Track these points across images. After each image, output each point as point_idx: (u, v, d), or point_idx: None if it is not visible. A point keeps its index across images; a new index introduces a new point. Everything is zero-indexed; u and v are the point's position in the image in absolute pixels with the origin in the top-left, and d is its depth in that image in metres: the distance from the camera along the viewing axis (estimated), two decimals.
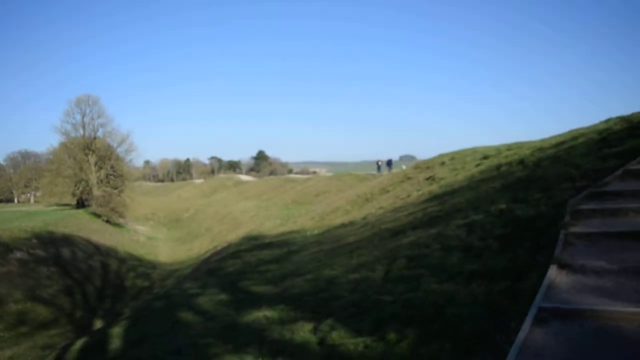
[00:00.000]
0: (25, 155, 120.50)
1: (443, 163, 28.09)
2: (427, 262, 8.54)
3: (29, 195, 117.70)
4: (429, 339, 5.40)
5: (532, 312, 4.08)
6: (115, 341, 13.45)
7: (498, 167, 17.97)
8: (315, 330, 7.61)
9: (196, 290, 16.86)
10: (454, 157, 28.24)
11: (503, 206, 9.97)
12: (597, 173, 9.26)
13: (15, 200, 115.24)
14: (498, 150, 23.48)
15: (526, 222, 7.88)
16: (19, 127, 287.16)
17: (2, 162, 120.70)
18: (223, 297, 14.41)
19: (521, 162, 16.45)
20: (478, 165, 21.58)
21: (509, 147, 23.08)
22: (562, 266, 5.04)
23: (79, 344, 15.42)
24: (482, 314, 5.27)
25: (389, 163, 54.89)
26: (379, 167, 55.67)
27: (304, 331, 7.82)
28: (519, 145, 22.50)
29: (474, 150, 27.31)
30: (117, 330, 14.64)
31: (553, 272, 4.88)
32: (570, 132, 20.49)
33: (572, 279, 4.73)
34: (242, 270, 18.38)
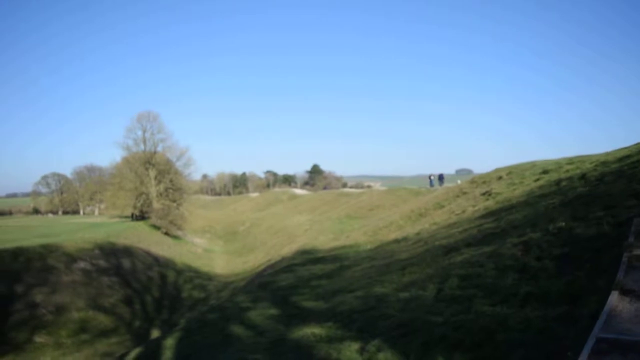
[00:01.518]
0: (91, 170, 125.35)
1: (500, 177, 27.21)
2: (481, 282, 8.19)
3: (93, 207, 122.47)
4: None
5: (591, 342, 3.76)
6: (167, 353, 13.64)
7: (558, 182, 17.20)
8: (362, 351, 7.42)
9: (248, 303, 16.94)
10: (511, 171, 27.31)
11: (562, 224, 9.46)
12: None
13: (81, 212, 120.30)
14: (558, 164, 22.50)
15: (586, 242, 7.41)
16: (86, 144, 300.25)
17: (69, 176, 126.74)
18: (273, 311, 14.42)
19: (583, 177, 15.68)
20: (537, 180, 20.74)
21: (570, 161, 22.09)
22: (625, 292, 4.65)
23: (133, 354, 15.75)
24: (535, 341, 4.94)
25: (441, 177, 54.83)
26: (431, 182, 55.64)
27: (350, 351, 7.64)
28: (581, 159, 21.48)
29: (532, 164, 26.31)
30: (170, 342, 14.84)
31: (614, 299, 4.50)
32: (637, 145, 19.41)
33: (636, 307, 4.34)
34: (294, 285, 18.36)
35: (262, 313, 14.57)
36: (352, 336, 8.43)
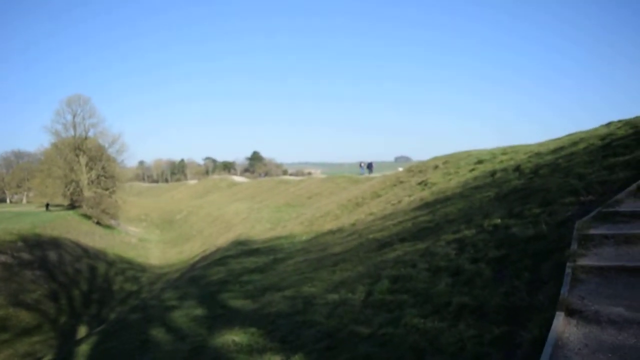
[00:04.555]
0: (19, 155, 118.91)
1: (436, 167, 27.04)
2: (412, 287, 7.54)
3: (21, 195, 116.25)
4: None
5: None
6: None
7: (493, 173, 16.94)
8: None
9: (174, 302, 15.97)
10: (447, 160, 27.19)
11: (498, 221, 8.94)
12: (603, 186, 8.17)
13: (8, 201, 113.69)
14: (493, 154, 22.40)
15: (524, 244, 6.83)
16: (13, 127, 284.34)
17: None
18: (199, 312, 13.53)
19: (517, 168, 15.39)
20: (472, 170, 20.52)
21: (504, 151, 22.03)
22: (571, 312, 4.00)
23: None
24: None
25: (369, 166, 57.28)
26: (362, 169, 58.15)
27: None
28: (515, 150, 21.45)
29: (468, 154, 26.24)
30: (84, 348, 13.74)
31: (560, 323, 3.83)
32: (569, 136, 19.44)
33: (585, 333, 3.70)
34: (225, 280, 17.55)
35: (187, 313, 13.65)
36: (274, 347, 7.68)
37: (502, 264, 6.59)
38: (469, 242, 8.51)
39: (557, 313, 3.97)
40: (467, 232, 9.30)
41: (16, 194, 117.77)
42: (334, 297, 9.18)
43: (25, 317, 29.43)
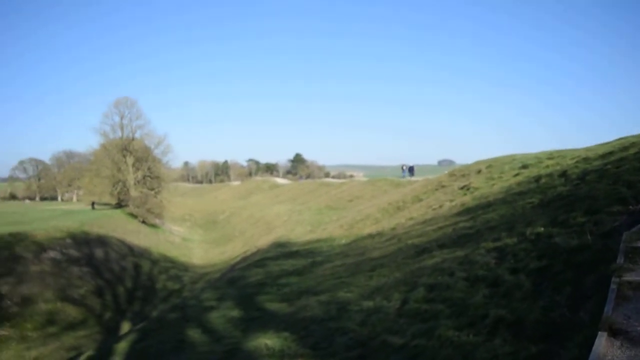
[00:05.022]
0: (70, 155, 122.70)
1: (479, 171, 26.38)
2: (449, 296, 7.30)
3: (72, 194, 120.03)
4: None
5: None
6: (117, 359, 12.75)
7: (537, 178, 16.34)
8: None
9: (213, 302, 16.12)
10: (491, 164, 26.48)
11: (540, 229, 8.55)
12: None
13: (59, 199, 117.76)
14: (538, 158, 21.62)
15: (567, 255, 6.47)
16: (65, 128, 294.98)
17: (48, 162, 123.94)
18: (235, 313, 13.61)
19: (563, 174, 14.80)
20: (516, 175, 19.89)
21: (550, 156, 21.23)
22: (615, 332, 3.71)
23: (83, 357, 14.83)
24: None
25: (411, 169, 57.02)
26: (404, 172, 57.58)
27: None
28: (561, 154, 20.62)
29: (512, 158, 25.46)
30: (123, 345, 13.96)
31: (602, 343, 3.56)
32: (619, 140, 18.56)
33: (629, 356, 3.39)
34: (263, 282, 17.56)
35: (224, 314, 13.74)
36: (306, 353, 7.59)
37: (543, 276, 6.27)
38: (509, 251, 8.19)
39: (600, 332, 3.69)
40: (508, 241, 8.95)
41: (67, 192, 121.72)
42: (368, 304, 9.02)
43: (71, 311, 30.15)
